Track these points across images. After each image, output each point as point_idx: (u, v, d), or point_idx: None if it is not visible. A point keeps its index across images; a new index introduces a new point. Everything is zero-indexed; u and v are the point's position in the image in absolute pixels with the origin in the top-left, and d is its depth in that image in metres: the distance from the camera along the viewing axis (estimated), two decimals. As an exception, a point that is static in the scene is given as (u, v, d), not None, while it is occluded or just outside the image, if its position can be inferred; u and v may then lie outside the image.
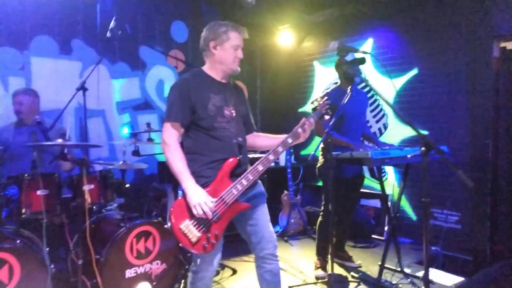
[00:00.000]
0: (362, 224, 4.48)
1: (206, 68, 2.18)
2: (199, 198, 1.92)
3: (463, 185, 3.95)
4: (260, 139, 2.36)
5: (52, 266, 2.47)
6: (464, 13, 3.89)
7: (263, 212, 2.21)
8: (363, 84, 4.81)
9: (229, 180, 2.03)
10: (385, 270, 3.23)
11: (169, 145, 2.01)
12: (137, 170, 4.48)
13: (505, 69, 3.84)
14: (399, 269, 3.29)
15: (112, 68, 4.34)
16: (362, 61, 3.31)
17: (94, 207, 2.88)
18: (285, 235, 4.53)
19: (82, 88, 3.05)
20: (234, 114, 2.14)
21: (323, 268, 3.42)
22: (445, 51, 4.06)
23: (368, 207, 4.67)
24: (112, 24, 2.90)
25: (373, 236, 4.47)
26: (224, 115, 2.10)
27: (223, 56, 2.11)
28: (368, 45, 4.74)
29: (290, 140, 2.11)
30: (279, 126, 5.56)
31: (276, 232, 4.70)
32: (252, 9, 4.42)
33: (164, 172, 3.84)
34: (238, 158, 2.08)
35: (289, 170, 4.69)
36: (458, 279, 3.21)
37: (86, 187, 2.49)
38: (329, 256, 3.42)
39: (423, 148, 1.85)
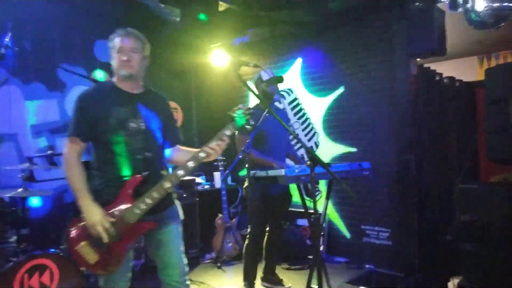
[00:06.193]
0: (297, 245, 4.37)
1: (115, 79, 2.08)
2: (95, 218, 1.84)
3: (392, 200, 4.00)
4: (179, 154, 2.21)
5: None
6: (382, 32, 4.01)
7: (172, 236, 2.08)
8: (295, 103, 4.84)
9: (131, 199, 1.91)
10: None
11: (66, 161, 1.96)
12: (56, 197, 4.14)
13: (422, 85, 3.97)
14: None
15: (26, 88, 4.03)
16: (279, 79, 3.29)
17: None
18: (218, 261, 4.32)
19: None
20: (142, 127, 2.01)
21: (250, 294, 3.26)
22: (367, 70, 4.15)
23: (304, 227, 4.59)
24: (7, 40, 2.69)
25: (309, 257, 4.37)
26: (128, 128, 1.97)
27: (114, 64, 2.04)
28: (297, 64, 4.78)
29: (202, 155, 1.99)
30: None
31: (210, 258, 4.53)
32: (178, 27, 4.33)
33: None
34: (142, 175, 1.94)
35: (223, 192, 4.53)
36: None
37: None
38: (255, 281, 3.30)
39: (308, 162, 1.79)
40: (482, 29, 3.28)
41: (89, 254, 1.86)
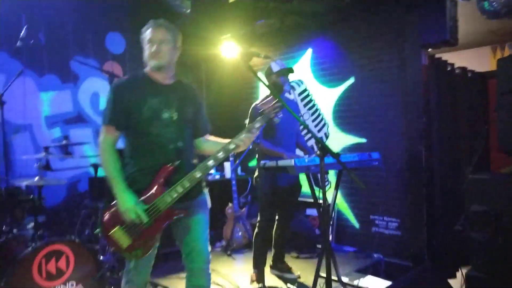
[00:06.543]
0: (306, 234, 4.42)
1: (148, 70, 2.10)
2: (128, 204, 1.90)
3: (401, 190, 4.01)
4: (208, 144, 2.25)
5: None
6: (393, 23, 3.99)
7: (199, 223, 2.12)
8: (305, 93, 4.85)
9: (163, 187, 1.97)
10: (321, 280, 3.16)
11: (102, 149, 2.01)
12: (70, 187, 4.24)
13: (434, 75, 3.94)
14: (336, 278, 3.23)
15: (40, 80, 4.12)
16: (290, 70, 3.31)
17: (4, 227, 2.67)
18: (228, 249, 4.39)
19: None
20: (175, 118, 2.04)
21: (259, 281, 3.32)
22: (378, 60, 4.13)
23: (313, 217, 4.63)
24: (23, 33, 2.75)
25: (318, 246, 4.42)
26: (162, 119, 2.01)
27: (145, 54, 2.06)
28: (307, 55, 4.78)
29: (232, 146, 2.03)
30: (226, 138, 5.46)
31: (220, 246, 4.61)
32: (189, 18, 4.36)
33: (95, 188, 3.64)
34: (174, 164, 2.00)
35: (233, 182, 4.59)
36: (387, 283, 3.20)
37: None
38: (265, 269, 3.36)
39: (318, 152, 1.81)
40: (495, 18, 3.24)
41: (122, 239, 1.93)
